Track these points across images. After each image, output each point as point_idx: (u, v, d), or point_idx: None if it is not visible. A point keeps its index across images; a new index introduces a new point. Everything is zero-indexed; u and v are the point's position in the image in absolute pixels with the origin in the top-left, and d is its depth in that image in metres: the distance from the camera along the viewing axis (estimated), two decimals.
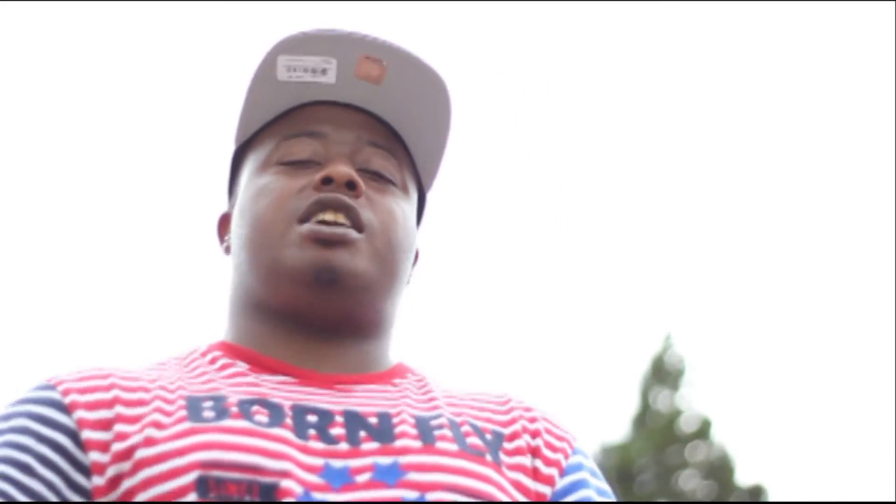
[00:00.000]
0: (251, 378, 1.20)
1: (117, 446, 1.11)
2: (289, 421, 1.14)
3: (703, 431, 15.32)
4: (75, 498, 1.10)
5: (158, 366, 1.24)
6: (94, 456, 1.11)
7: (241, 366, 1.23)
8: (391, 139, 1.33)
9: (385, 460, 1.12)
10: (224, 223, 1.38)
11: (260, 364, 1.23)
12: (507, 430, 1.22)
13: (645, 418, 15.54)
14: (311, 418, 1.15)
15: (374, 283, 1.24)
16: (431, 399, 1.24)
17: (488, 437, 1.20)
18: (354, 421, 1.16)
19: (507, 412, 1.25)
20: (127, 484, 1.09)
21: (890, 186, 17.01)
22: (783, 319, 21.12)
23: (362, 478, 1.10)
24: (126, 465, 1.10)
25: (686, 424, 15.39)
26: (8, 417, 1.16)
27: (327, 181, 1.25)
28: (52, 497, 1.09)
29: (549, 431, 1.24)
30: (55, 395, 1.16)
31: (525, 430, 1.23)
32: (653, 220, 22.00)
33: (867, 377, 18.98)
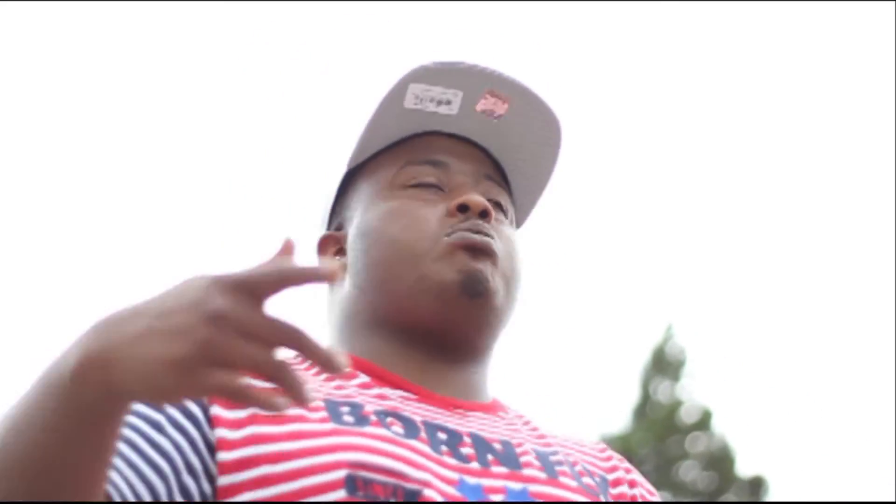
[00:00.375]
0: (377, 390, 1.22)
1: (255, 430, 1.11)
2: (423, 435, 1.17)
3: (703, 422, 15.33)
4: (196, 462, 1.10)
5: None
6: (221, 433, 1.11)
7: (363, 377, 1.24)
8: (500, 175, 1.36)
9: (515, 485, 1.16)
10: (326, 244, 1.37)
11: (380, 377, 1.25)
12: (610, 476, 1.29)
13: (645, 409, 15.54)
14: (442, 435, 1.18)
15: (502, 307, 1.27)
16: (542, 437, 1.28)
17: (597, 479, 1.26)
18: (481, 444, 1.20)
19: (607, 460, 1.31)
20: (267, 470, 1.09)
21: (889, 180, 17.04)
22: (784, 311, 21.15)
23: (496, 497, 1.14)
24: (263, 450, 1.10)
25: (686, 415, 15.40)
26: None
27: (463, 208, 1.27)
28: (176, 456, 1.09)
29: (642, 485, 1.32)
30: None
31: (624, 479, 1.29)
32: (654, 213, 22.04)
33: (868, 368, 19.01)
